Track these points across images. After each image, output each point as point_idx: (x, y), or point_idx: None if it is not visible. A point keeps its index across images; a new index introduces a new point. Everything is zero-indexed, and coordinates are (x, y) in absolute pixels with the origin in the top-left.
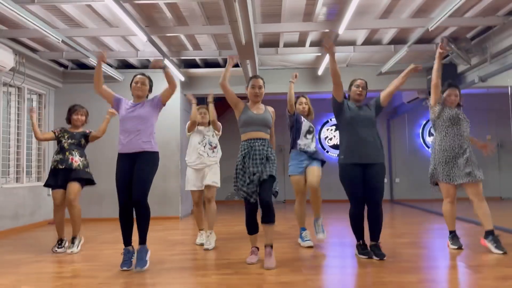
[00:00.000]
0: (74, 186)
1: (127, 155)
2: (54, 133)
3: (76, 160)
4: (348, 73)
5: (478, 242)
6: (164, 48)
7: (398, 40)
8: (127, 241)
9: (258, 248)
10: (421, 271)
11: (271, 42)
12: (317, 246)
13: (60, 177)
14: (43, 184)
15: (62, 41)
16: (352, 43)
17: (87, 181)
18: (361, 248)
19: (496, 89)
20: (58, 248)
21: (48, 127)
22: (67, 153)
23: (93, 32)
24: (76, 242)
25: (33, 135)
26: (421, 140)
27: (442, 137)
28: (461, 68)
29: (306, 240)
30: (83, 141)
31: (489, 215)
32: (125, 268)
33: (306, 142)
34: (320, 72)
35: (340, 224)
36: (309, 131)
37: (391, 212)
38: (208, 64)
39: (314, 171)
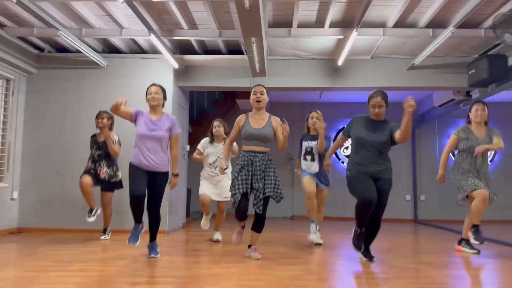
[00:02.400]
0: (106, 195)
1: (143, 169)
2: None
3: (103, 172)
4: (372, 66)
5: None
6: (154, 26)
7: (438, 23)
8: (138, 218)
9: (243, 228)
10: None
11: (282, 21)
12: (328, 273)
13: (92, 175)
14: (5, 185)
15: (25, 6)
16: (382, 25)
17: (115, 187)
18: (357, 238)
19: None
20: (90, 217)
21: (17, 118)
22: (96, 164)
23: None
24: (107, 232)
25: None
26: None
27: (462, 160)
28: None
29: (312, 233)
30: (107, 149)
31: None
32: (131, 244)
33: (306, 164)
34: (340, 62)
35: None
36: (307, 152)
37: (415, 233)
38: (207, 50)
39: (320, 192)
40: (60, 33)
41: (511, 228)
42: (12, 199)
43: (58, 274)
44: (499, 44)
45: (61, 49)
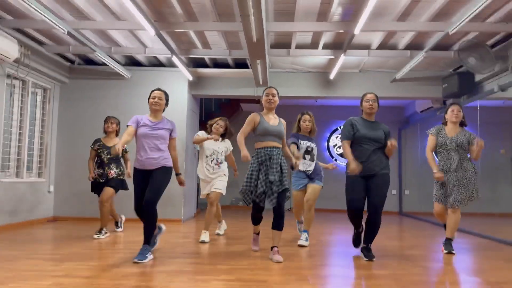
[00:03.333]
0: (108, 190)
1: (145, 171)
2: (94, 150)
3: (113, 173)
4: (360, 79)
5: (492, 257)
6: (173, 45)
7: (414, 46)
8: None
9: (258, 234)
10: (432, 285)
11: (282, 43)
12: (324, 256)
13: (100, 188)
14: (43, 180)
15: (68, 33)
16: (367, 46)
17: (120, 187)
18: (355, 236)
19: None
20: (97, 236)
21: (52, 122)
22: (106, 168)
23: (100, 25)
24: (103, 231)
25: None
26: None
27: (438, 159)
28: (479, 77)
29: (301, 235)
30: (119, 155)
31: (455, 227)
32: (136, 260)
33: (305, 163)
34: (332, 76)
35: (347, 234)
36: (307, 152)
37: (399, 224)
38: (217, 64)
39: (314, 189)
40: (97, 54)
41: (483, 221)
42: (49, 191)
43: (109, 251)
44: None
45: (89, 61)
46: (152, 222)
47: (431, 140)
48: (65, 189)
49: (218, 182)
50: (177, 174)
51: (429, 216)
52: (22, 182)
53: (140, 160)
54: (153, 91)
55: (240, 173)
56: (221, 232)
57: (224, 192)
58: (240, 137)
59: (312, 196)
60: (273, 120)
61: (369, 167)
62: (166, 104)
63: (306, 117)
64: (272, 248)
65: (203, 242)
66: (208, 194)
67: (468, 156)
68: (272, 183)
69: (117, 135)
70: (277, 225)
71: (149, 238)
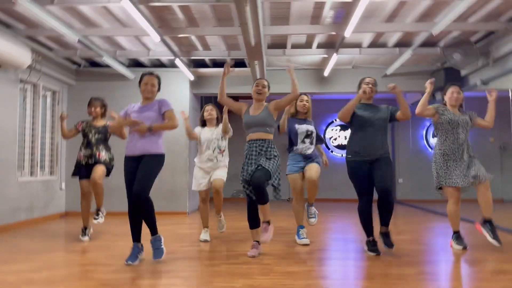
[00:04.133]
0: (99, 168)
1: (134, 158)
2: (77, 128)
3: (103, 155)
4: (353, 75)
5: (479, 241)
6: (175, 48)
7: (403, 43)
8: (134, 237)
9: (258, 242)
10: (420, 265)
11: (279, 44)
12: (321, 242)
13: (88, 170)
14: (55, 177)
15: (78, 40)
16: (358, 45)
17: (109, 171)
18: (371, 245)
19: (498, 93)
20: (82, 236)
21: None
22: (94, 148)
23: (107, 31)
24: (100, 213)
25: (60, 133)
26: (425, 142)
27: (442, 141)
28: (464, 72)
29: (303, 238)
30: (108, 135)
31: (491, 204)
32: (129, 263)
33: (304, 146)
34: (326, 73)
35: (343, 222)
36: (307, 135)
37: (394, 211)
38: (216, 64)
39: (313, 167)
40: (104, 59)
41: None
42: (61, 189)
43: (124, 242)
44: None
45: (94, 64)
46: (150, 212)
47: (430, 109)
48: (75, 186)
49: (218, 172)
50: (148, 127)
51: (423, 203)
52: (36, 180)
53: (129, 146)
54: (144, 74)
55: (238, 165)
56: (207, 238)
57: (225, 179)
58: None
59: (314, 174)
60: (256, 111)
61: (372, 151)
62: (158, 89)
63: (304, 97)
64: (262, 223)
65: (205, 241)
66: (206, 190)
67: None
68: (249, 172)
69: (103, 116)
70: (259, 199)
71: (154, 228)
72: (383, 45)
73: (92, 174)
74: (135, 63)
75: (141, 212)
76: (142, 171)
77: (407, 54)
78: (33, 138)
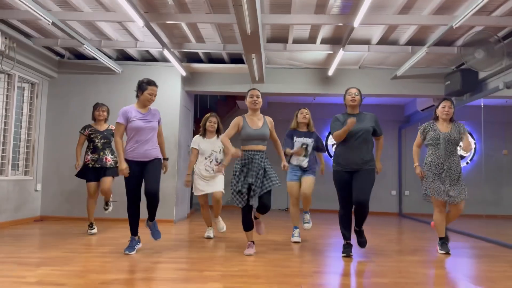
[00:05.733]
0: (108, 180)
1: (138, 163)
2: (84, 135)
3: (109, 159)
4: (360, 76)
5: (498, 263)
6: (165, 39)
7: (416, 41)
8: (133, 230)
9: (253, 242)
10: None
11: (279, 37)
12: (319, 263)
13: (95, 173)
14: (30, 178)
15: (54, 24)
16: (367, 41)
17: (116, 174)
18: (345, 247)
19: None
20: (90, 230)
21: (40, 118)
22: (101, 153)
23: (88, 16)
24: (110, 203)
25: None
26: None
27: (429, 154)
28: (482, 74)
29: (295, 237)
30: (112, 138)
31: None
32: (127, 252)
33: (299, 159)
34: (330, 72)
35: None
36: (305, 149)
37: (399, 226)
38: (211, 59)
39: (308, 180)
40: (85, 47)
41: (486, 223)
42: (36, 190)
43: (91, 255)
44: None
45: (80, 55)
46: (157, 205)
47: (418, 136)
48: (53, 188)
49: (217, 184)
50: (165, 159)
51: (429, 217)
52: (6, 180)
53: (134, 152)
54: (149, 84)
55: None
56: (212, 235)
57: (223, 190)
58: (225, 138)
59: (307, 189)
60: (257, 123)
61: (354, 163)
62: None
63: (304, 110)
64: (255, 218)
65: (208, 237)
66: (205, 195)
67: (458, 152)
68: (252, 184)
69: (106, 120)
70: (262, 211)
71: (154, 215)
72: (394, 42)
73: (102, 185)
74: (123, 56)
75: (153, 205)
76: (153, 173)
77: (422, 51)
78: (5, 133)
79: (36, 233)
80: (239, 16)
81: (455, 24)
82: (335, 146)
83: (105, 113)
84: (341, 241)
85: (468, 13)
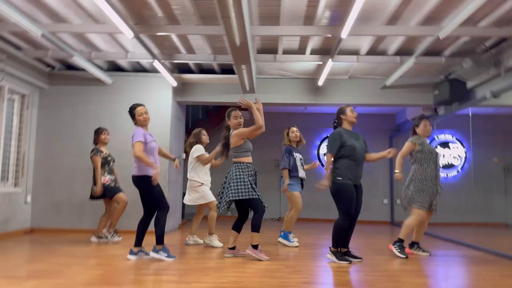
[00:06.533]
0: (124, 195)
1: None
2: (102, 157)
3: (119, 178)
4: (350, 86)
5: (488, 271)
6: (155, 50)
7: (404, 51)
8: (139, 241)
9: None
10: None
11: (269, 48)
12: (309, 273)
13: (114, 192)
14: (20, 189)
15: (43, 35)
16: (355, 52)
17: None
18: (340, 255)
19: (504, 109)
20: (117, 237)
21: (30, 129)
22: (114, 173)
23: (77, 28)
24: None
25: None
26: None
27: (424, 168)
28: (470, 84)
29: (295, 242)
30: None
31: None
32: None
33: (301, 172)
34: (320, 82)
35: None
36: (301, 164)
37: (391, 235)
38: (202, 70)
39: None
40: (74, 59)
41: (476, 231)
42: (26, 202)
43: (80, 267)
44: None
45: (70, 66)
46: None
47: (408, 147)
48: (43, 200)
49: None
50: (175, 159)
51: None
52: None
53: (154, 168)
54: (134, 109)
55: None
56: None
57: None
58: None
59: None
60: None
61: (358, 178)
62: None
63: (293, 128)
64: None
65: (217, 246)
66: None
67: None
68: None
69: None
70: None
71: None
72: (383, 53)
73: (122, 198)
74: (114, 67)
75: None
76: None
77: (410, 62)
78: None
79: (25, 245)
80: (228, 28)
81: (442, 35)
82: (338, 159)
83: (109, 136)
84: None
85: (455, 23)
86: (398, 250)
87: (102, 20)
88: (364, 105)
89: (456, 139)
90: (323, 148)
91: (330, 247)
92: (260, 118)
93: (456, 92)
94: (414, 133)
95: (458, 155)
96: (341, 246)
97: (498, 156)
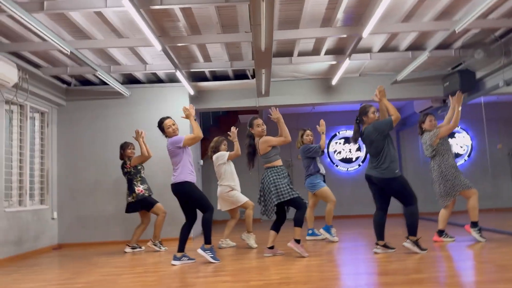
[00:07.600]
0: (161, 205)
1: None
2: (132, 167)
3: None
4: (360, 83)
5: None
6: (176, 61)
7: (416, 46)
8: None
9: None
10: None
11: (284, 51)
12: (356, 264)
13: (150, 201)
14: (46, 206)
15: (71, 52)
16: (368, 50)
17: None
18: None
19: (506, 97)
20: (162, 247)
21: (52, 146)
22: (146, 183)
23: (101, 43)
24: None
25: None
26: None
27: (447, 157)
28: (479, 74)
29: (335, 236)
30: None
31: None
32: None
33: (323, 169)
34: (334, 81)
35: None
36: (320, 161)
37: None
38: (217, 77)
39: None
40: (98, 74)
41: (498, 216)
42: (52, 218)
43: (131, 276)
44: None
45: (85, 81)
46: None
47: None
48: (69, 215)
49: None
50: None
51: (432, 215)
52: (25, 211)
53: (193, 175)
54: (162, 122)
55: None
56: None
57: None
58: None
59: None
60: None
61: None
62: None
63: (308, 131)
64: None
65: (252, 246)
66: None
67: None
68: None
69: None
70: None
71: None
72: (395, 49)
73: (161, 209)
74: (129, 80)
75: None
76: None
77: (424, 56)
78: (21, 164)
79: (61, 260)
80: (257, 34)
81: (458, 29)
82: (387, 151)
83: (134, 150)
84: (370, 243)
85: (471, 17)
86: (480, 234)
87: (125, 33)
88: (375, 101)
89: (461, 128)
90: (333, 146)
91: (408, 237)
92: (287, 132)
93: (466, 83)
94: (421, 129)
95: (465, 144)
96: (379, 239)
97: (503, 143)
